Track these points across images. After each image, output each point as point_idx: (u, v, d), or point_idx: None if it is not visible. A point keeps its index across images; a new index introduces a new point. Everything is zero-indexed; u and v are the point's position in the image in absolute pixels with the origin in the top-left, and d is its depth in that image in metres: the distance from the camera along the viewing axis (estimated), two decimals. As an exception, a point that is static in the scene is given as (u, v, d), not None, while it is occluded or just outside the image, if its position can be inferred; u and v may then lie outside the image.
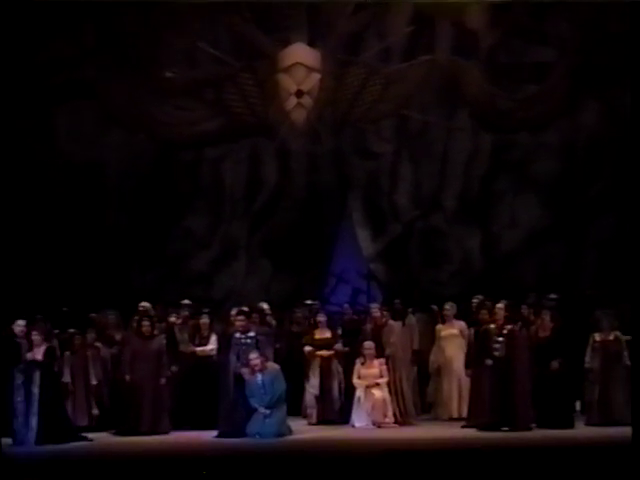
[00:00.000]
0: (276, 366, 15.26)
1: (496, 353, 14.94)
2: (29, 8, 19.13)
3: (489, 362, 14.96)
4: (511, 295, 15.94)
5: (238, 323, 15.54)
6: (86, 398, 15.95)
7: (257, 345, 15.40)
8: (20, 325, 15.39)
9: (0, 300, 17.15)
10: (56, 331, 15.84)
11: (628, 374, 15.27)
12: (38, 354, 14.93)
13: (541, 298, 16.38)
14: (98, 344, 16.24)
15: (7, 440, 14.86)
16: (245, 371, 15.06)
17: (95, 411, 15.98)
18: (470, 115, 19.80)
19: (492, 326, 15.15)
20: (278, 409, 14.99)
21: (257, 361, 15.00)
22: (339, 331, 16.59)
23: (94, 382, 15.95)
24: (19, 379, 14.92)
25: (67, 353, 15.62)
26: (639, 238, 18.33)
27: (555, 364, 14.98)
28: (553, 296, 16.37)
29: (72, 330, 15.94)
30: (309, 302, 17.87)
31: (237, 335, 15.46)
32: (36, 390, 14.84)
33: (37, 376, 14.88)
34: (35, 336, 14.95)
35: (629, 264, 18.32)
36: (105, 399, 16.11)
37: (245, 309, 16.28)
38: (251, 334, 15.49)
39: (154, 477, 12.60)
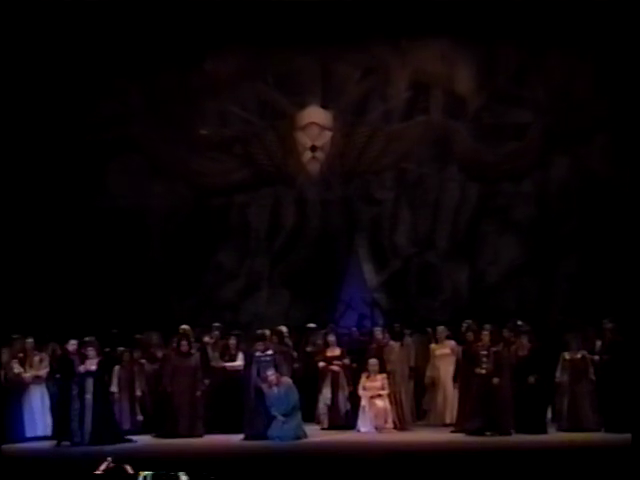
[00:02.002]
0: (289, 380, 15.36)
1: (483, 371, 15.05)
2: (86, 74, 19.41)
3: (481, 371, 15.03)
4: (493, 320, 16.03)
5: (258, 344, 15.70)
6: (132, 406, 15.99)
7: (275, 362, 15.50)
8: (73, 344, 15.54)
9: (58, 323, 17.33)
10: (107, 349, 15.90)
11: (593, 388, 15.39)
12: (92, 365, 14.99)
13: (525, 324, 16.26)
14: (143, 361, 16.29)
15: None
16: (264, 385, 15.18)
17: (140, 417, 16.03)
18: (459, 168, 19.79)
19: (479, 346, 15.30)
20: (294, 416, 15.11)
21: (273, 377, 15.14)
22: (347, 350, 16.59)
23: (139, 393, 16.00)
24: (74, 390, 14.98)
25: (117, 367, 15.73)
26: (605, 271, 18.73)
27: (532, 379, 15.04)
28: (520, 322, 16.31)
29: (121, 348, 16.04)
30: (312, 325, 17.87)
31: (257, 354, 15.62)
32: (89, 397, 14.91)
33: (90, 385, 14.94)
34: (90, 351, 15.03)
35: (593, 294, 18.57)
36: (148, 407, 16.12)
37: (267, 332, 16.39)
38: (269, 353, 15.64)
39: (189, 474, 12.76)
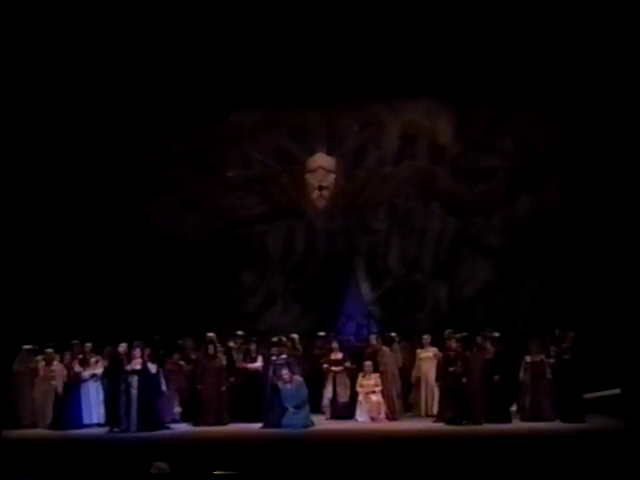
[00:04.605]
0: (300, 378, 15.52)
1: (455, 371, 15.21)
2: (134, 126, 19.59)
3: (453, 372, 15.19)
4: (468, 329, 16.21)
5: (273, 349, 15.96)
6: (172, 400, 16.07)
7: (288, 364, 15.67)
8: (123, 346, 15.62)
9: (111, 330, 17.39)
10: (160, 351, 16.06)
11: (550, 385, 15.46)
12: (137, 365, 15.14)
13: (491, 331, 16.41)
14: (181, 362, 16.37)
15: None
16: (279, 382, 15.35)
17: (178, 409, 16.11)
18: (440, 204, 19.78)
19: (453, 352, 15.45)
20: (303, 408, 15.28)
21: (287, 376, 15.31)
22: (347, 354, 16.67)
23: (176, 389, 16.07)
24: (122, 385, 15.11)
25: (160, 368, 15.67)
26: (562, 289, 18.81)
27: (496, 377, 15.17)
28: (487, 328, 16.56)
29: (161, 352, 16.13)
30: (322, 334, 17.84)
31: (273, 357, 15.85)
32: (134, 391, 15.02)
33: (135, 381, 15.06)
34: (137, 352, 15.19)
35: (551, 308, 18.62)
36: (186, 401, 16.16)
37: (281, 338, 16.63)
38: (283, 356, 15.85)
39: (217, 454, 12.85)
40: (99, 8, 16.52)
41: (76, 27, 17.03)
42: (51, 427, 15.58)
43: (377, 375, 15.93)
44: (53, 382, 15.73)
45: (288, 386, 15.30)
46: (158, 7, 16.75)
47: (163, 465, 8.39)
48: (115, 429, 15.10)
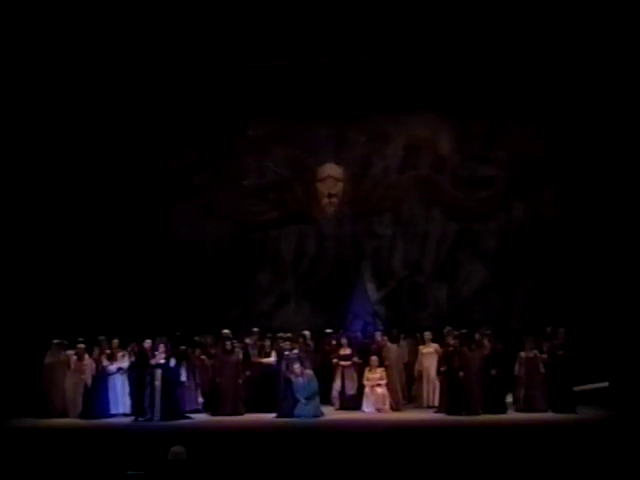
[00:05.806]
0: (311, 372, 15.56)
1: (454, 366, 15.26)
2: (158, 139, 19.64)
3: (451, 366, 15.24)
4: (466, 327, 16.25)
5: (285, 344, 16.02)
6: (195, 392, 16.07)
7: (299, 358, 15.71)
8: (148, 342, 15.78)
9: (136, 327, 17.38)
10: (183, 347, 16.01)
11: (543, 379, 15.46)
12: (160, 359, 15.22)
13: (487, 329, 16.46)
14: (203, 357, 16.36)
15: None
16: (291, 376, 15.41)
17: (201, 400, 16.10)
18: (441, 210, 19.77)
19: (451, 348, 15.48)
20: (314, 399, 15.34)
21: (298, 369, 15.37)
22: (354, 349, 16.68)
23: (198, 381, 16.06)
24: (147, 378, 15.20)
25: (181, 362, 15.73)
26: (553, 290, 18.84)
27: (493, 372, 15.21)
28: (484, 326, 16.60)
29: (184, 347, 16.11)
30: (329, 331, 17.85)
31: (286, 352, 15.89)
32: (158, 383, 15.09)
33: (159, 374, 15.12)
34: (160, 348, 15.28)
35: (544, 308, 18.59)
36: (207, 392, 16.13)
37: (293, 335, 16.72)
38: (295, 351, 15.90)
39: (234, 442, 12.90)
40: (125, 25, 16.65)
41: (102, 42, 17.14)
42: (81, 416, 15.65)
43: (382, 369, 15.95)
44: (83, 376, 15.81)
45: (300, 379, 15.36)
46: (182, 28, 16.90)
47: (180, 449, 8.42)
48: (140, 418, 15.20)
